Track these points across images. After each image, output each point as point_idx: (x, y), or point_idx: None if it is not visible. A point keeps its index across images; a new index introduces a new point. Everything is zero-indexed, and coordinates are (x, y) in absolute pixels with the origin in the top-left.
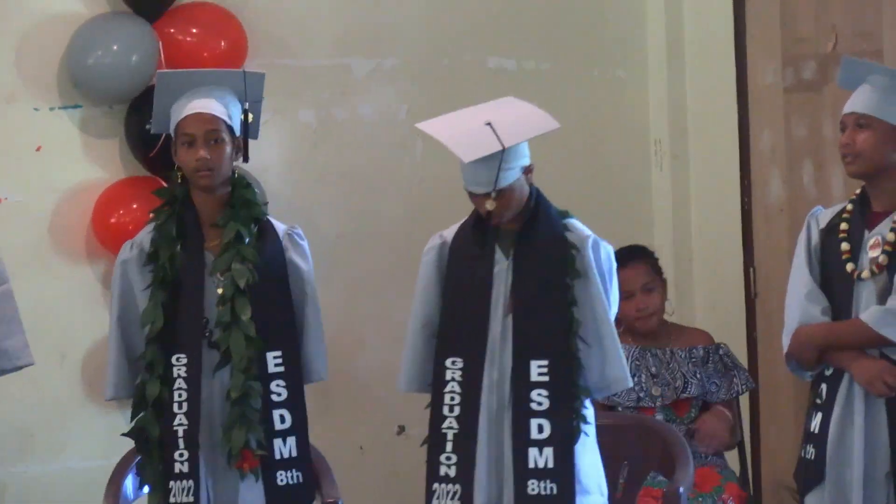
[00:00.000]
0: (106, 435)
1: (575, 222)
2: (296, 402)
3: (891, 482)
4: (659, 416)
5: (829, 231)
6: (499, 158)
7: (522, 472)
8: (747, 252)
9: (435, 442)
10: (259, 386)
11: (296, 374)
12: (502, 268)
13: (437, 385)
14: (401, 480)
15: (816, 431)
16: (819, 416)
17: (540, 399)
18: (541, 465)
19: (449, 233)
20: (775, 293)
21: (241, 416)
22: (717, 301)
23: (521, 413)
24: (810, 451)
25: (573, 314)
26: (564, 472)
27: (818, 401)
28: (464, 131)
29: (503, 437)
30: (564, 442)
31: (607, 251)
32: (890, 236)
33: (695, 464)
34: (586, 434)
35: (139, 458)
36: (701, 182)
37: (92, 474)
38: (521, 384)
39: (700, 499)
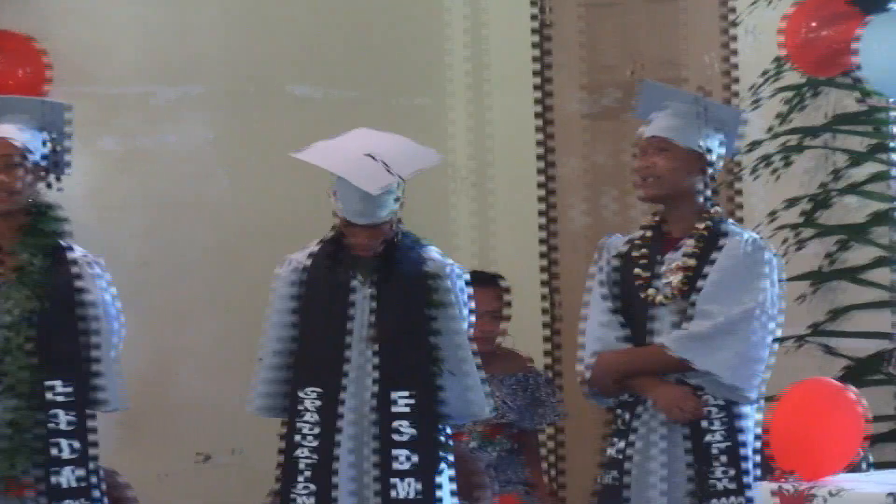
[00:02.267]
0: None
1: (431, 250)
2: (82, 432)
3: None
4: (473, 441)
5: (625, 258)
6: (389, 191)
7: (387, 502)
8: (550, 279)
9: (288, 471)
10: (42, 415)
11: (83, 404)
12: (363, 296)
13: (291, 414)
14: None
15: (616, 457)
16: (618, 441)
17: (404, 430)
18: (406, 495)
19: (302, 258)
20: (578, 320)
21: (20, 445)
22: (520, 328)
23: (385, 443)
24: (610, 477)
25: (435, 344)
26: (429, 501)
27: (617, 427)
28: (352, 163)
29: (364, 466)
30: (428, 471)
31: (462, 277)
32: (686, 261)
33: (496, 491)
34: (448, 462)
35: None
36: (503, 209)
37: None
38: (385, 414)
39: None
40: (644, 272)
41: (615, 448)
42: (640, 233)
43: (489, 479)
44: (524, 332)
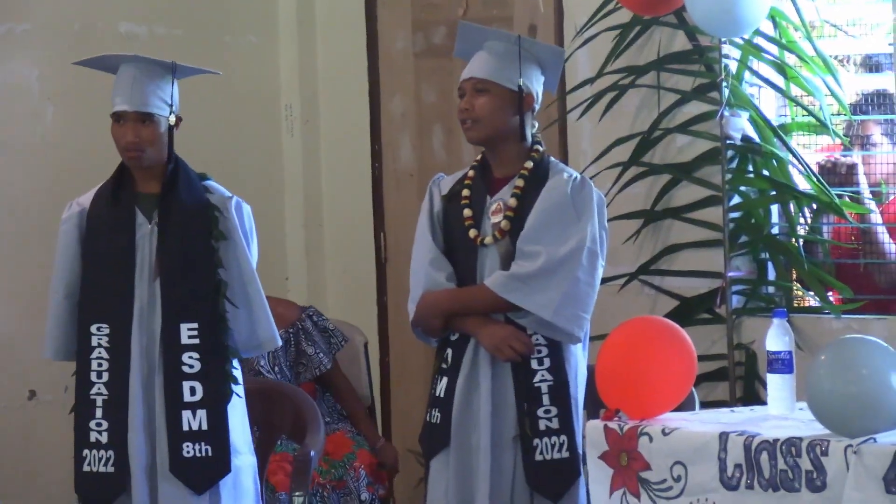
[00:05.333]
0: None
1: (214, 184)
2: None
3: (517, 445)
4: None
5: (452, 198)
6: (159, 83)
7: (176, 434)
8: (377, 217)
9: (83, 409)
10: None
11: None
12: (145, 232)
13: (82, 352)
14: (34, 445)
15: (442, 396)
16: (445, 380)
17: (191, 362)
18: (195, 427)
19: (85, 199)
20: (405, 258)
21: None
22: (348, 266)
23: (173, 376)
24: (435, 416)
25: (220, 276)
26: (218, 433)
27: (444, 365)
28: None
29: (155, 400)
30: (217, 403)
31: (248, 211)
32: (511, 202)
33: (327, 430)
34: (237, 395)
35: None
36: (332, 147)
37: None
38: (172, 347)
39: (333, 466)
40: (470, 212)
41: (440, 387)
42: (468, 172)
43: (320, 417)
44: (353, 271)
